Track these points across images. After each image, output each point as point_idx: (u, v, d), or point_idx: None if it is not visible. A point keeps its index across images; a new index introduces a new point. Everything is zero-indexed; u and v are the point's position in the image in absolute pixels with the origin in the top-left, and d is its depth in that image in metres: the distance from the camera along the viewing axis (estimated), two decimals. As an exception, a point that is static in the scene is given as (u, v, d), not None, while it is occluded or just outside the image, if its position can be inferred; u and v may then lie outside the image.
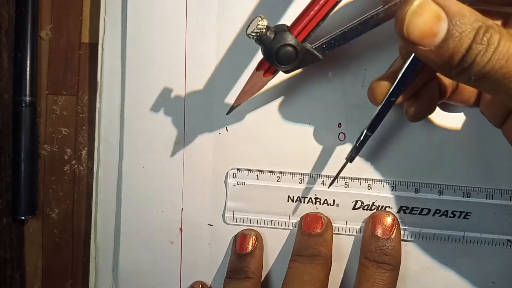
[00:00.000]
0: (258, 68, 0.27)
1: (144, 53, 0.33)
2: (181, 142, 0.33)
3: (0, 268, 0.34)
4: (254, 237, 0.32)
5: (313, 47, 0.26)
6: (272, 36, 0.24)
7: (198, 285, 0.33)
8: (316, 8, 0.24)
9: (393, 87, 0.27)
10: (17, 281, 0.36)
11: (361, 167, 0.32)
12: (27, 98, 0.35)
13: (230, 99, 0.33)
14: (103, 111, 0.34)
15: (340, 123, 0.32)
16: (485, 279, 0.32)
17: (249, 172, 0.33)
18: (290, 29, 0.25)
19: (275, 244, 0.33)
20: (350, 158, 0.29)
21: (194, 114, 0.33)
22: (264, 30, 0.24)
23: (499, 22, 0.26)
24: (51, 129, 0.36)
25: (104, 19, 0.34)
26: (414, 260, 0.32)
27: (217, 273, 0.34)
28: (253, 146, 0.33)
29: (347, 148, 0.32)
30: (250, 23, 0.24)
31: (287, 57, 0.25)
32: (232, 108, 0.29)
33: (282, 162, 0.33)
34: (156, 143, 0.33)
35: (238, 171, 0.33)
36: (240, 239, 0.32)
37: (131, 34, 0.33)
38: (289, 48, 0.25)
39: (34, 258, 0.37)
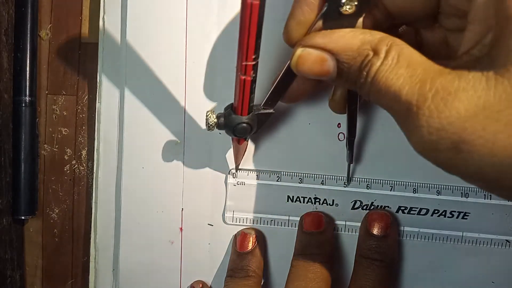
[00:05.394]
0: (233, 140, 0.30)
1: (144, 53, 0.33)
2: (181, 142, 0.33)
3: (0, 268, 0.34)
4: (254, 235, 0.32)
5: (262, 106, 0.29)
6: (223, 121, 0.27)
7: (199, 284, 0.34)
8: (240, 90, 0.25)
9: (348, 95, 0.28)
10: (17, 281, 0.36)
11: (360, 167, 0.32)
12: (27, 98, 0.35)
13: (230, 99, 0.33)
14: (103, 111, 0.34)
15: (339, 123, 0.32)
16: (484, 279, 0.32)
17: (249, 172, 0.33)
18: (234, 109, 0.27)
19: (274, 243, 0.33)
20: (350, 161, 0.32)
21: (194, 114, 0.33)
22: (216, 121, 0.27)
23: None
24: (51, 129, 0.36)
25: (104, 18, 0.34)
26: (413, 260, 0.32)
27: (217, 273, 0.34)
28: (253, 146, 0.33)
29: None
30: (205, 120, 0.27)
31: (244, 131, 0.27)
32: (237, 168, 0.33)
33: (282, 162, 0.33)
34: (156, 143, 0.33)
35: (238, 171, 0.33)
36: (240, 238, 0.32)
37: (131, 34, 0.33)
38: (242, 125, 0.27)
39: (34, 258, 0.37)
